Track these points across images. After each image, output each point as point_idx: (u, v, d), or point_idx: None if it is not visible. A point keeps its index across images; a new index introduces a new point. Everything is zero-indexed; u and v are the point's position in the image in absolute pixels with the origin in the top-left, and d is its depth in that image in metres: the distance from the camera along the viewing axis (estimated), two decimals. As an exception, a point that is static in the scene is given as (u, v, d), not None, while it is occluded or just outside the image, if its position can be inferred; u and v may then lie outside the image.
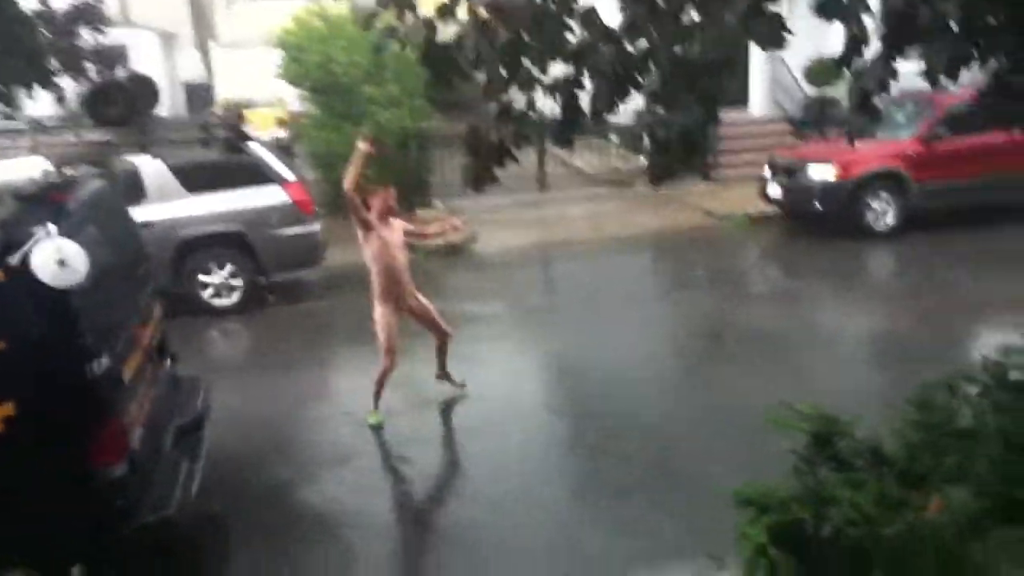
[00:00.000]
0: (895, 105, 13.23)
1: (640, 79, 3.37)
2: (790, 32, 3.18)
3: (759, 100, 17.24)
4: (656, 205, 14.56)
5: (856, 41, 3.14)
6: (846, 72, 3.41)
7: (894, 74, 3.18)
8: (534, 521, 5.38)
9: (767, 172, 12.84)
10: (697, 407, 6.94)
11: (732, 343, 8.51)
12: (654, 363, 8.06)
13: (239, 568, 5.26)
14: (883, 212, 11.82)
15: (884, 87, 3.22)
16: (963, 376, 2.91)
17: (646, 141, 3.53)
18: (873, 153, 12.01)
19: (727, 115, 16.08)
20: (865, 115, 3.30)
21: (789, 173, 12.36)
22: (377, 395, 6.91)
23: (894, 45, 3.14)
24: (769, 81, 17.00)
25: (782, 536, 2.57)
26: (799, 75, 16.91)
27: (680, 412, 6.88)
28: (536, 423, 6.84)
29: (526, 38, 3.36)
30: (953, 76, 3.11)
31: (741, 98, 17.20)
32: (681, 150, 3.41)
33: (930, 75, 3.09)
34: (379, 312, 6.82)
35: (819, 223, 12.13)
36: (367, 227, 6.63)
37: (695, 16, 3.34)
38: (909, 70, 3.52)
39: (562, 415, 7.11)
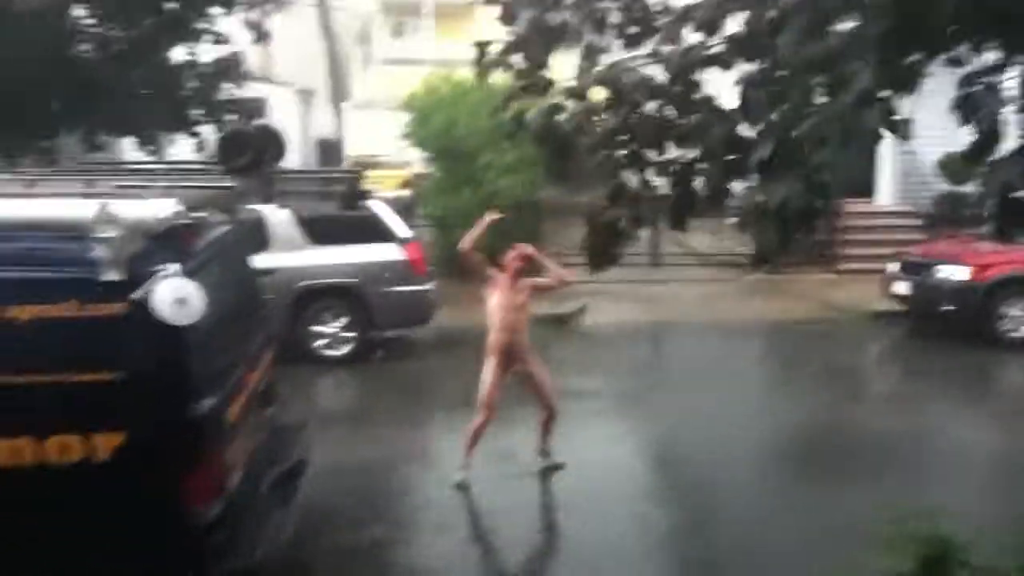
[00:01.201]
0: (1036, 206, 12.63)
1: (751, 160, 3.28)
2: (893, 126, 3.03)
3: (887, 190, 16.72)
4: (773, 292, 14.18)
5: (988, 136, 2.96)
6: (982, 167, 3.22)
7: None
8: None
9: (895, 267, 12.33)
10: (796, 515, 6.50)
11: (842, 447, 8.00)
12: (755, 462, 7.70)
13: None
14: (1018, 320, 11.12)
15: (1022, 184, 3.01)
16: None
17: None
18: (1009, 256, 11.40)
19: (852, 204, 15.72)
20: (1011, 213, 3.07)
21: (918, 271, 11.84)
22: (469, 449, 6.83)
23: None
24: (899, 172, 16.48)
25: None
26: (932, 168, 16.33)
27: (776, 519, 6.43)
28: (632, 508, 6.60)
29: (639, 120, 3.33)
30: None
31: (867, 188, 16.72)
32: (783, 227, 3.27)
33: None
34: (486, 365, 6.82)
35: (947, 326, 11.52)
36: (487, 280, 6.64)
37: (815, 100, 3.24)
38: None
39: (659, 503, 6.85)
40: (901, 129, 3.11)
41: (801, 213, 3.26)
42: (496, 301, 6.75)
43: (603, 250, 3.57)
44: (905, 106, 3.26)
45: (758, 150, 3.22)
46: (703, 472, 7.34)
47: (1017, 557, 2.64)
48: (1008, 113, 2.98)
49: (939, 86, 3.22)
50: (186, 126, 11.63)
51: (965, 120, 2.96)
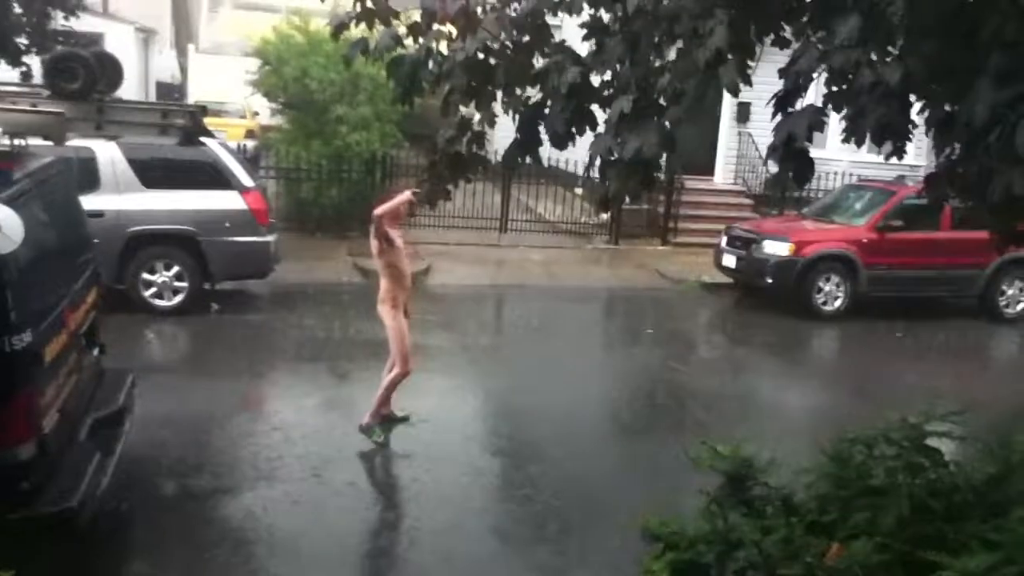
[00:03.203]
0: (854, 192, 13.64)
1: (600, 107, 3.41)
2: (749, 83, 3.25)
3: (723, 171, 17.62)
4: (613, 261, 14.70)
5: (795, 89, 3.21)
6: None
7: (821, 124, 3.25)
8: (455, 555, 5.28)
9: (724, 241, 13.03)
10: (625, 458, 6.98)
11: (668, 401, 8.59)
12: (590, 412, 8.10)
13: (134, 571, 5.07)
14: (832, 294, 12.01)
15: (809, 135, 3.28)
16: (881, 435, 2.95)
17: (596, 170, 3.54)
18: (828, 235, 12.28)
19: (691, 181, 16.45)
20: (792, 163, 3.33)
21: (745, 245, 12.56)
22: (380, 404, 6.76)
23: (832, 100, 3.22)
24: (735, 155, 17.39)
25: (684, 573, 2.55)
26: (764, 151, 17.32)
27: (606, 460, 6.90)
28: (469, 458, 6.76)
29: (491, 59, 3.39)
30: (879, 142, 3.16)
31: (707, 167, 17.54)
32: (631, 177, 3.43)
33: (855, 135, 3.15)
34: (391, 318, 6.71)
35: (769, 298, 12.31)
36: (390, 243, 6.58)
37: (671, 55, 3.40)
38: (873, 159, 3.59)
39: (495, 453, 7.05)
40: (741, 112, 3.33)
41: (648, 164, 3.41)
42: (391, 253, 6.63)
43: (439, 186, 3.61)
44: (742, 92, 3.47)
45: (618, 102, 3.34)
46: (540, 425, 7.61)
47: (807, 482, 2.95)
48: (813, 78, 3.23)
49: (774, 77, 3.43)
50: (10, 54, 10.80)
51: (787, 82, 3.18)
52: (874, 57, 3.09)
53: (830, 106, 3.42)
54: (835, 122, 3.64)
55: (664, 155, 3.56)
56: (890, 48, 3.19)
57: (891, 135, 3.18)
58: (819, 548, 2.55)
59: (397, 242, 6.68)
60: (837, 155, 15.00)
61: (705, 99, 3.34)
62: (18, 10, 10.85)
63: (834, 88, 3.32)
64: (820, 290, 11.95)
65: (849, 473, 2.82)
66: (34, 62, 10.92)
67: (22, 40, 10.82)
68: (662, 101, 3.54)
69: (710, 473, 3.00)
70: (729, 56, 3.20)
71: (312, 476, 6.26)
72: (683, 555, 2.60)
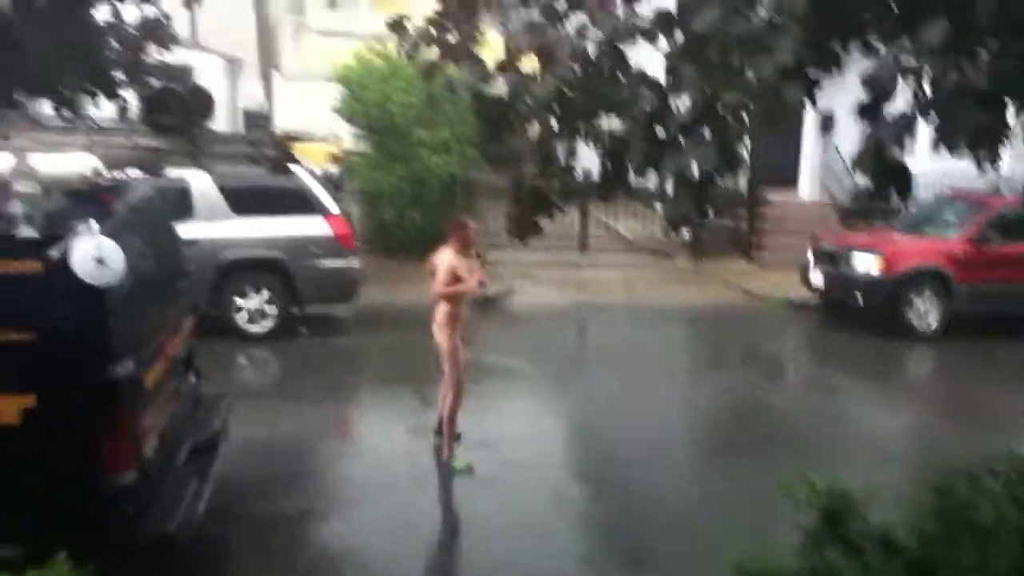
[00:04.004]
0: (947, 203, 13.13)
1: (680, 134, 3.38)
2: (813, 101, 3.18)
3: (808, 184, 17.19)
4: (695, 279, 14.49)
5: (881, 96, 3.12)
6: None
7: (912, 130, 3.14)
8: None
9: (810, 257, 12.70)
10: (714, 486, 6.81)
11: (757, 427, 8.34)
12: (675, 438, 7.96)
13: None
14: (926, 312, 11.56)
15: (900, 141, 3.17)
16: (986, 469, 2.82)
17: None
18: (921, 249, 11.86)
19: (774, 196, 16.13)
20: (889, 178, 3.23)
21: (833, 260, 12.22)
22: (451, 435, 6.75)
23: (920, 106, 3.11)
24: (820, 166, 16.97)
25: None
26: (850, 163, 16.87)
27: (694, 489, 6.77)
28: (553, 485, 6.72)
29: (570, 93, 3.40)
30: (973, 148, 3.03)
31: (791, 180, 17.17)
32: (693, 193, 3.38)
33: (947, 142, 3.04)
34: (448, 341, 6.69)
35: (859, 315, 11.93)
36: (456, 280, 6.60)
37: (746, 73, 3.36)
38: (965, 169, 3.47)
39: (577, 478, 7.00)
40: (825, 123, 3.27)
41: (708, 180, 3.36)
42: (453, 273, 6.61)
43: (528, 221, 3.63)
44: (827, 103, 3.41)
45: (680, 118, 3.31)
46: (625, 450, 7.53)
47: (908, 518, 2.84)
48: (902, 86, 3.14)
49: (859, 87, 3.35)
50: (107, 88, 11.30)
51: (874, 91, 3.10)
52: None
53: (917, 113, 3.32)
54: (923, 130, 3.53)
55: (726, 172, 3.50)
56: (980, 49, 3.08)
57: (985, 140, 3.06)
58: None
59: (464, 281, 6.66)
60: (927, 165, 14.48)
61: (773, 116, 3.28)
62: (115, 45, 11.36)
63: (921, 94, 3.22)
64: (913, 307, 11.52)
65: (953, 509, 2.70)
66: (130, 95, 11.40)
67: (119, 74, 11.31)
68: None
69: (805, 504, 2.91)
70: (801, 71, 3.14)
71: (399, 501, 6.33)
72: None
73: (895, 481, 6.72)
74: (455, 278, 6.59)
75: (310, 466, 6.98)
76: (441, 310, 6.73)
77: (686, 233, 14.89)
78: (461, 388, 6.76)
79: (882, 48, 3.32)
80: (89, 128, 5.32)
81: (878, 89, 3.21)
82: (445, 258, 6.64)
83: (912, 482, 3.06)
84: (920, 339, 11.38)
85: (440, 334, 6.72)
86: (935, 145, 3.18)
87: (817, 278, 12.40)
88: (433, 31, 3.82)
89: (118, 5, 11.29)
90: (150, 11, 11.67)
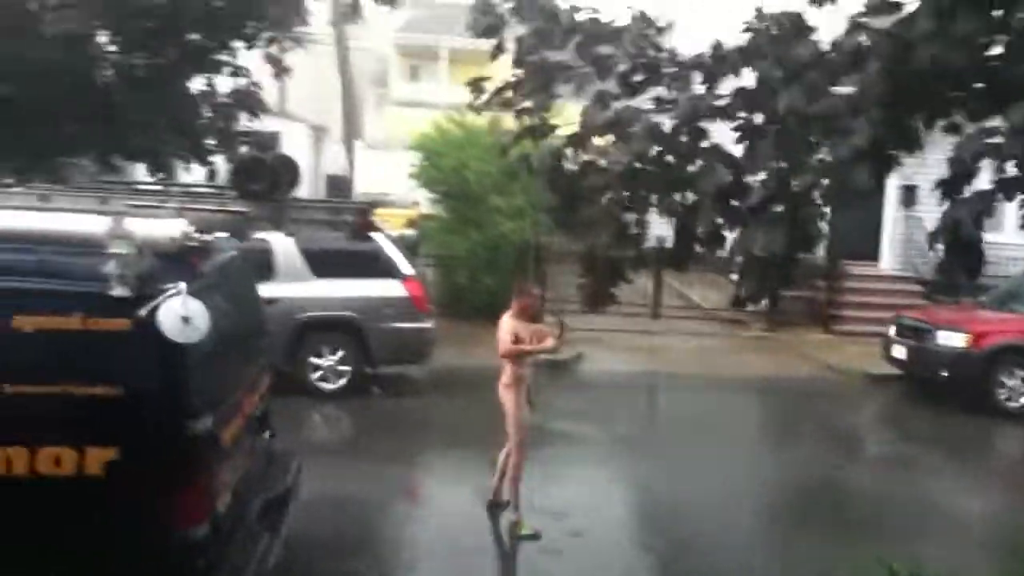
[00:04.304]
0: (1038, 276, 12.70)
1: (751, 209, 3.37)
2: (879, 183, 3.14)
3: (890, 256, 16.85)
4: (771, 350, 14.22)
5: (960, 174, 3.07)
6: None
7: (990, 209, 3.08)
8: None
9: (892, 331, 12.36)
10: (785, 564, 6.56)
11: (833, 503, 8.03)
12: (747, 513, 7.70)
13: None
14: (1016, 390, 11.11)
15: (979, 221, 3.11)
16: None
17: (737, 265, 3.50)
18: (1010, 325, 11.46)
19: (855, 267, 15.83)
20: (963, 254, 3.16)
21: (916, 335, 11.86)
22: (516, 496, 6.74)
23: (1002, 185, 3.05)
24: (902, 238, 16.63)
25: None
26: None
27: (765, 565, 6.55)
28: (619, 555, 6.58)
29: (644, 165, 3.43)
30: None
31: (872, 253, 16.85)
32: (763, 273, 3.34)
33: None
34: (513, 403, 6.72)
35: (944, 392, 11.51)
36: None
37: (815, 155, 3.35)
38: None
39: (645, 551, 6.83)
40: (906, 196, 3.24)
41: (781, 261, 3.34)
42: (518, 335, 6.70)
43: (601, 290, 3.64)
44: (909, 174, 3.38)
45: (750, 198, 3.31)
46: (694, 523, 7.34)
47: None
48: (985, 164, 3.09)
49: (944, 156, 3.32)
50: (200, 154, 11.83)
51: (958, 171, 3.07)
52: None
53: (1000, 193, 3.26)
54: (1015, 205, 3.46)
55: (797, 253, 3.47)
56: None
57: None
58: None
59: (525, 344, 6.75)
60: (1015, 239, 14.06)
61: (844, 196, 3.26)
62: (208, 113, 11.91)
63: (1003, 175, 3.17)
64: (1003, 385, 11.08)
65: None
66: (220, 161, 11.90)
67: (210, 141, 11.83)
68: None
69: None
70: (880, 152, 3.11)
71: (464, 564, 6.26)
72: None
73: (979, 565, 6.42)
74: (516, 341, 6.65)
75: (377, 526, 6.98)
76: (507, 372, 6.76)
77: (764, 303, 14.66)
78: (525, 450, 6.72)
79: (967, 127, 3.29)
80: (181, 193, 5.55)
81: (960, 167, 3.17)
82: (506, 322, 6.71)
83: (997, 568, 2.89)
84: (1010, 416, 10.93)
85: (505, 395, 6.76)
86: (1021, 225, 3.12)
87: (900, 352, 12.05)
88: (510, 94, 3.92)
89: (212, 76, 11.85)
90: (241, 82, 12.21)
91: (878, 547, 6.48)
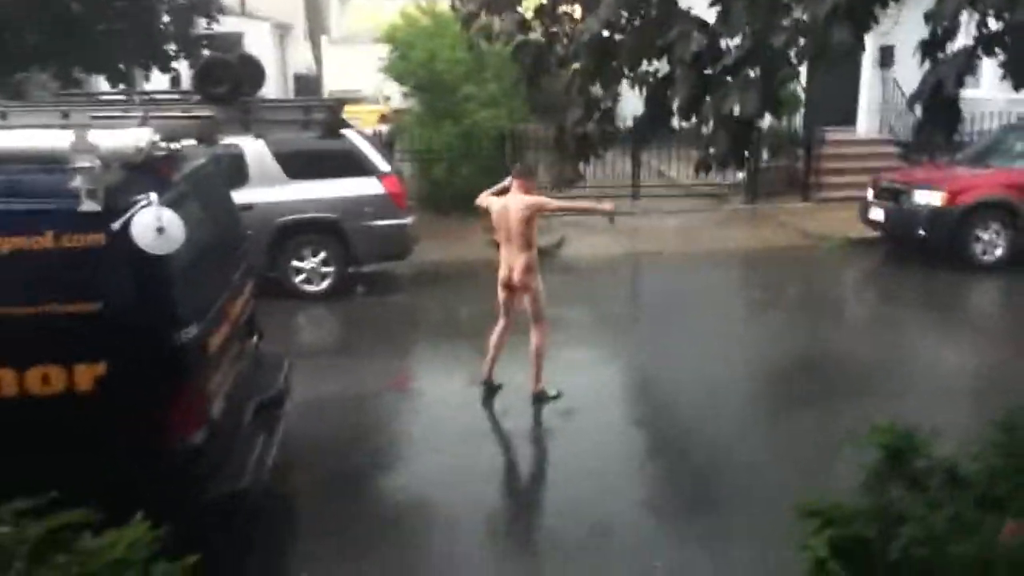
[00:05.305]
0: (1012, 133, 12.69)
1: (728, 75, 3.32)
2: (862, 45, 3.08)
3: (867, 121, 16.75)
4: (751, 222, 14.29)
5: (944, 32, 3.02)
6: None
7: (973, 67, 3.04)
8: (605, 530, 5.31)
9: (870, 194, 12.42)
10: (776, 430, 6.79)
11: (821, 368, 8.23)
12: (736, 382, 7.89)
13: (302, 548, 5.35)
14: (992, 244, 11.27)
15: (960, 80, 3.08)
16: (1054, 402, 2.76)
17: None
18: (984, 181, 11.52)
19: (832, 134, 15.74)
20: (940, 113, 3.14)
21: (894, 197, 11.93)
22: (539, 370, 7.06)
23: (983, 43, 3.01)
24: (879, 102, 16.50)
25: (845, 550, 2.48)
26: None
27: (756, 433, 6.74)
28: (614, 432, 6.77)
29: (614, 34, 3.35)
30: None
31: (849, 118, 16.73)
32: (732, 135, 3.32)
33: (1015, 77, 2.94)
34: (538, 279, 6.98)
35: (923, 250, 11.67)
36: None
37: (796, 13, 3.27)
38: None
39: (637, 426, 7.03)
40: (883, 57, 3.18)
41: (748, 123, 3.31)
42: (533, 218, 6.87)
43: (570, 167, 3.61)
44: (885, 32, 3.32)
45: (722, 60, 3.26)
46: (686, 396, 7.52)
47: (976, 456, 2.80)
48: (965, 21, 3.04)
49: (920, 18, 3.24)
50: (161, 61, 11.51)
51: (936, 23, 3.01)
52: None
53: (981, 49, 3.21)
54: (990, 60, 3.42)
55: (765, 115, 3.43)
56: None
57: None
58: (992, 525, 2.41)
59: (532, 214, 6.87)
60: (992, 94, 13.97)
61: (822, 57, 3.20)
62: (166, 19, 11.54)
63: (986, 28, 3.11)
64: (979, 240, 11.23)
65: (1019, 444, 2.66)
66: (181, 66, 11.59)
67: (171, 47, 11.50)
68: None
69: (866, 445, 2.89)
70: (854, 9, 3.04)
71: (462, 452, 6.42)
72: (843, 531, 2.52)
73: (961, 417, 6.65)
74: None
75: (372, 420, 7.12)
76: (528, 257, 6.89)
77: (740, 175, 14.63)
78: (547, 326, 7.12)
79: None
80: (144, 102, 5.40)
81: (941, 25, 3.10)
82: (521, 199, 6.80)
83: (979, 417, 2.99)
84: (986, 271, 11.16)
85: (529, 278, 6.92)
86: (1004, 75, 3.09)
87: (878, 214, 12.14)
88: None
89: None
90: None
91: (864, 406, 6.71)
